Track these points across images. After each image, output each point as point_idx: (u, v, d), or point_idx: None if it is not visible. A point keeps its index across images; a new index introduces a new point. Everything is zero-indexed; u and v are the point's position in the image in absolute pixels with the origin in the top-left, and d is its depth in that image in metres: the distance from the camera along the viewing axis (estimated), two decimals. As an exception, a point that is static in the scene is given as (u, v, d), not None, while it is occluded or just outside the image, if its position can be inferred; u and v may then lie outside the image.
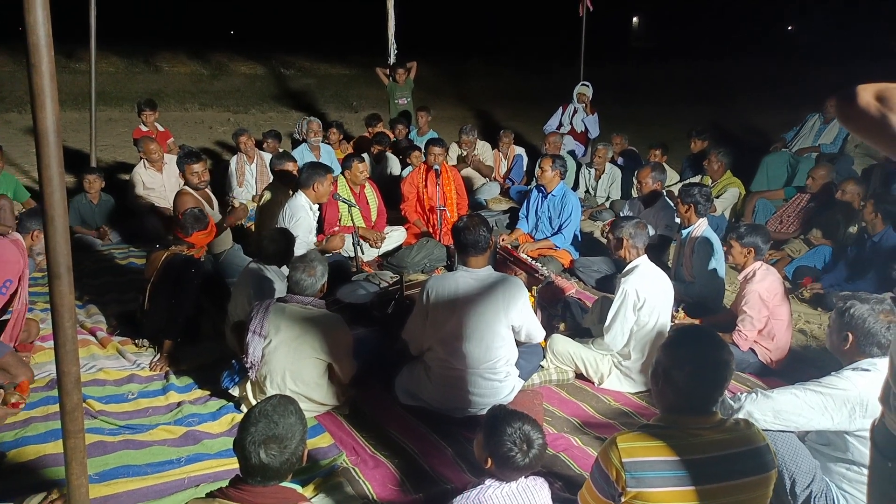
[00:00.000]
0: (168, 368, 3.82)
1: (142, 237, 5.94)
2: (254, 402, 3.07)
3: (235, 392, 3.39)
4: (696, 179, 6.64)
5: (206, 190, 5.10)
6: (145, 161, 6.33)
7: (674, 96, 14.40)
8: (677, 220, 4.89)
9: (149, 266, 4.04)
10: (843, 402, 2.35)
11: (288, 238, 3.99)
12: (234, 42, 20.40)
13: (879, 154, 6.96)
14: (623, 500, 1.86)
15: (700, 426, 1.89)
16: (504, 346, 3.24)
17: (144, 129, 7.46)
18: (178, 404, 3.45)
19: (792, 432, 2.47)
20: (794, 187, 6.59)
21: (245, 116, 12.90)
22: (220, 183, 7.11)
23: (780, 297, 3.82)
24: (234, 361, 3.46)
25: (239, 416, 3.28)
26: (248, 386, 3.29)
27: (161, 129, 7.74)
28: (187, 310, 3.90)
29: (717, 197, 6.28)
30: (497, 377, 3.25)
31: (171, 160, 6.54)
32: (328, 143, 7.78)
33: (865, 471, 2.31)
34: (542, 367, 3.75)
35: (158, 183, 6.36)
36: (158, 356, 3.89)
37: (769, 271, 3.87)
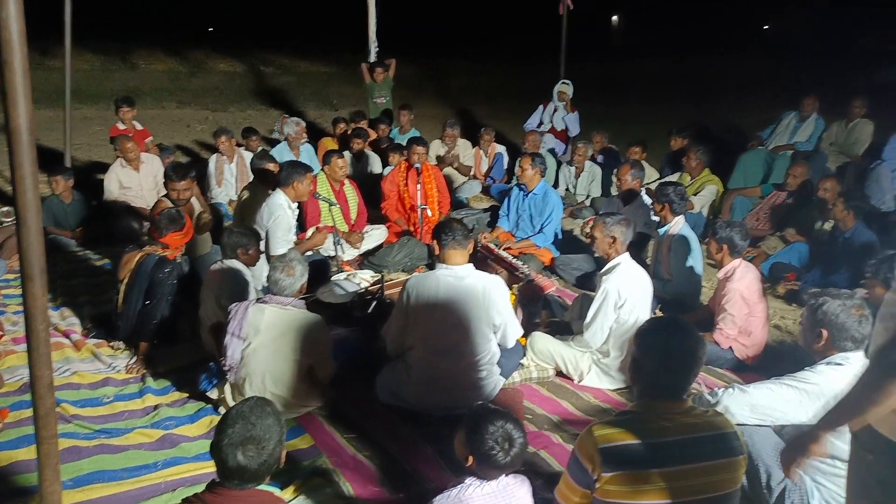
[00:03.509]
0: (144, 371, 3.78)
1: (117, 237, 5.85)
2: (232, 405, 3.04)
3: (214, 394, 3.36)
4: (675, 177, 6.70)
5: (191, 203, 5.00)
6: (122, 160, 6.24)
7: (653, 95, 14.50)
8: (655, 217, 4.93)
9: (122, 267, 3.99)
10: (818, 395, 2.39)
11: (247, 231, 3.95)
12: (213, 39, 20.19)
13: (852, 152, 7.09)
14: (598, 485, 1.88)
15: (672, 411, 1.94)
16: (485, 345, 3.25)
17: (122, 127, 7.34)
18: (155, 407, 3.41)
19: (768, 426, 2.51)
20: (771, 184, 6.68)
21: (224, 115, 12.78)
22: (199, 183, 7.03)
23: (759, 295, 3.87)
24: (211, 364, 3.43)
25: (217, 419, 3.24)
26: (227, 388, 3.26)
27: (139, 127, 7.62)
28: (162, 311, 3.87)
29: (696, 194, 6.35)
30: (478, 375, 3.26)
31: (148, 159, 6.47)
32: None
33: (839, 463, 2.36)
34: (523, 364, 3.76)
35: (135, 182, 6.28)
36: (134, 359, 3.85)
37: (748, 269, 3.91)
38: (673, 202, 4.53)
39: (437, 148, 7.83)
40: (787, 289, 5.03)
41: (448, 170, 7.65)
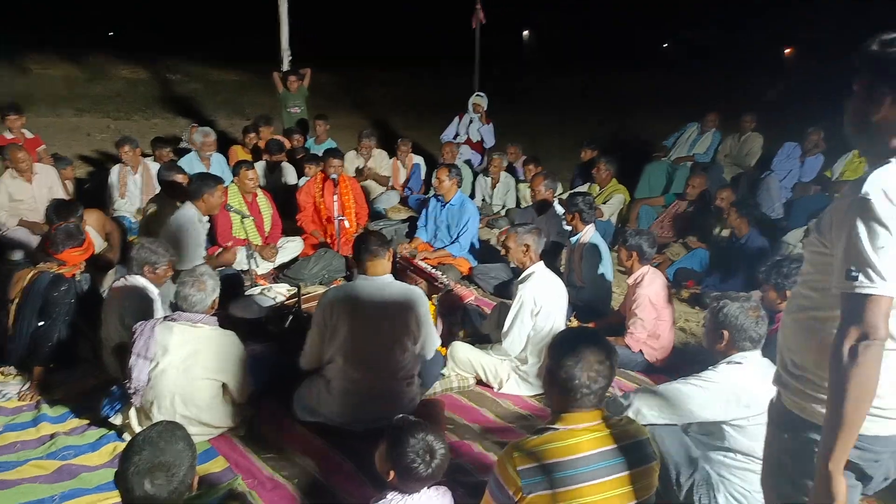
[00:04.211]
0: (39, 397, 3.52)
1: (6, 254, 5.41)
2: (138, 430, 2.87)
3: (118, 420, 3.16)
4: (585, 187, 6.96)
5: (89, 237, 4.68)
6: (12, 171, 5.80)
7: (563, 107, 15.00)
8: (567, 227, 5.09)
9: (13, 286, 3.69)
10: (720, 393, 2.53)
11: (158, 248, 3.72)
12: (113, 44, 19.16)
13: (745, 163, 7.61)
14: (519, 506, 1.90)
15: (587, 423, 1.97)
16: (405, 356, 3.23)
17: (9, 136, 6.83)
18: (52, 436, 3.18)
19: (676, 425, 2.63)
20: (674, 194, 7.06)
21: (127, 123, 12.12)
22: (100, 195, 6.64)
23: (666, 299, 4.07)
24: (114, 387, 3.23)
25: (122, 446, 3.03)
26: (133, 413, 3.08)
27: (30, 135, 7.11)
28: (59, 333, 3.62)
29: (605, 203, 6.62)
30: (399, 387, 3.24)
31: (42, 170, 6.04)
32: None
33: (741, 457, 2.50)
34: (444, 375, 3.77)
35: (27, 194, 5.84)
36: (27, 384, 3.58)
37: (656, 275, 4.11)
38: (583, 211, 4.70)
39: (352, 159, 7.77)
40: (690, 293, 5.31)
41: (365, 181, 7.60)
